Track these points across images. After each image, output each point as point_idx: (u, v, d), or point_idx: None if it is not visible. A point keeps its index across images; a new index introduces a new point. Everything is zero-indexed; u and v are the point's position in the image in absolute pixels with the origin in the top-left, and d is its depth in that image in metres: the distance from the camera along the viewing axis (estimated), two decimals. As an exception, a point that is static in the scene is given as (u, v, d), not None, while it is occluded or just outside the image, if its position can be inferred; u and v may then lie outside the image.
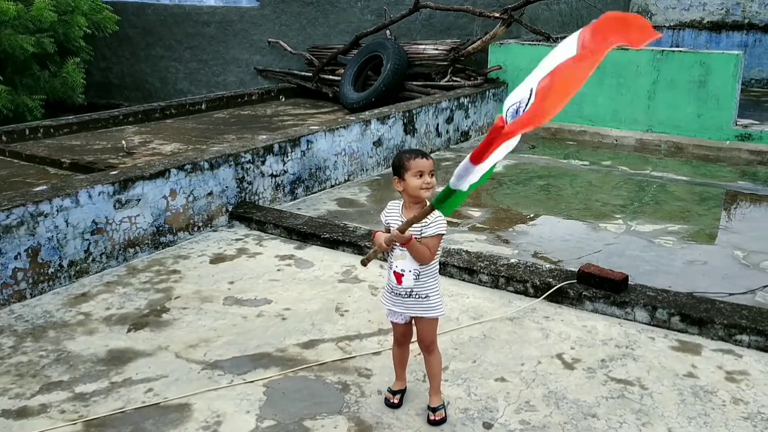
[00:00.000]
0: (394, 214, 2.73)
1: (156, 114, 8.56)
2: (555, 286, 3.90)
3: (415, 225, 2.57)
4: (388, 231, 2.64)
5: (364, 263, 2.75)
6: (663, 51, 7.75)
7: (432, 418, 2.83)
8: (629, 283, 3.85)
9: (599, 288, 3.82)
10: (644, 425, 2.83)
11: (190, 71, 11.95)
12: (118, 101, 12.36)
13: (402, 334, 2.89)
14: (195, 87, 11.94)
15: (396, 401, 2.95)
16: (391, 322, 2.89)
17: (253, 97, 9.82)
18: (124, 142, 7.11)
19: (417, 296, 2.72)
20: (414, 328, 2.87)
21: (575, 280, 3.92)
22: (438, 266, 2.78)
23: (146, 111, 8.51)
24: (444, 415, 2.85)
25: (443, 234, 2.68)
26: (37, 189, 4.12)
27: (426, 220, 2.59)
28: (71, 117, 7.93)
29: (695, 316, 3.55)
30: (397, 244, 2.62)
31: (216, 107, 9.27)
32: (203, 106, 9.11)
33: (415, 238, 2.61)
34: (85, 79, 10.04)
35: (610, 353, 3.39)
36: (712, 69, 7.33)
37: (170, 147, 7.10)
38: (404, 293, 2.73)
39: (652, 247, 4.83)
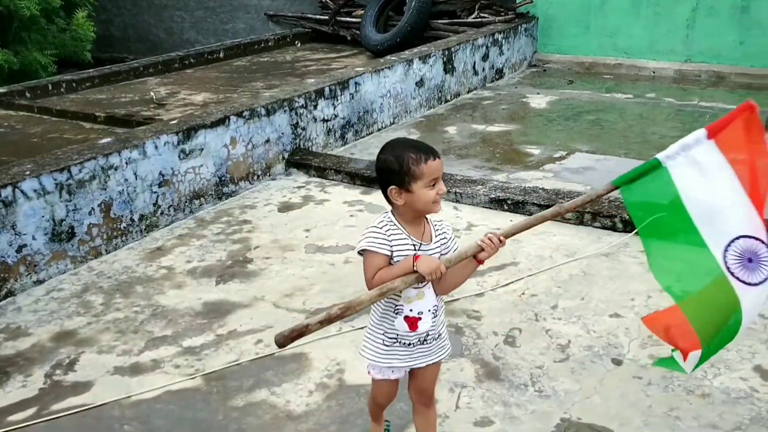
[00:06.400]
0: (400, 238, 1.92)
1: (175, 64, 8.26)
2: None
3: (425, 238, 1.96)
4: (391, 262, 1.90)
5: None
6: (702, -24, 7.49)
7: None
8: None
9: (693, 219, 3.72)
10: (777, 354, 2.77)
11: (196, 20, 11.53)
12: (122, 55, 11.92)
13: (393, 394, 2.20)
14: (202, 36, 11.54)
15: None
16: (379, 381, 2.13)
17: (270, 44, 9.50)
18: (152, 93, 6.85)
19: (431, 339, 2.04)
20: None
21: (666, 212, 3.81)
22: None
23: (165, 62, 8.21)
24: None
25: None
26: (103, 141, 3.93)
27: (440, 233, 2.01)
28: (92, 71, 7.62)
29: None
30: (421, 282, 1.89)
31: (234, 55, 8.97)
32: (221, 55, 8.80)
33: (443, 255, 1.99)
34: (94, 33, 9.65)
35: (718, 284, 3.32)
36: (755, -7, 7.10)
37: (200, 97, 6.87)
38: (416, 341, 2.02)
39: (724, 177, 4.72)
